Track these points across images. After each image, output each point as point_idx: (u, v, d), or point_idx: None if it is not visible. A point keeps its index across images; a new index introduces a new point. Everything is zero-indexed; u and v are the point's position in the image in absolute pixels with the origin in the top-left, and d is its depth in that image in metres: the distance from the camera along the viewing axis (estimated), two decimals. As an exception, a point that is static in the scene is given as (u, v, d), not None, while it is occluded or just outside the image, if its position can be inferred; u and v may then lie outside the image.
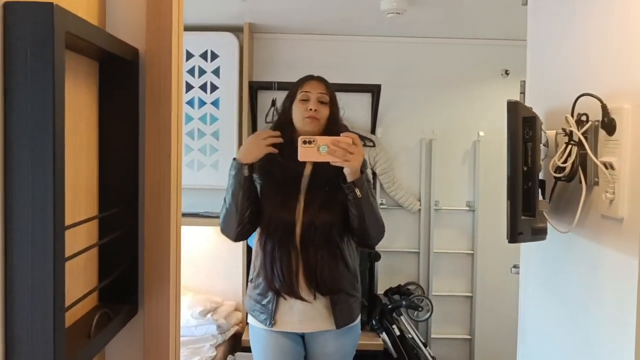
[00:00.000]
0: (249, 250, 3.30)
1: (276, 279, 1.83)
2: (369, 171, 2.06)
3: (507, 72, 3.46)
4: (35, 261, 0.68)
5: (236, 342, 3.28)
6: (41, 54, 0.67)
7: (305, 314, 1.87)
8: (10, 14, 0.68)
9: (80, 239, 0.89)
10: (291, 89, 1.95)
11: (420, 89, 3.52)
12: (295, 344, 1.94)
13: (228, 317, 3.29)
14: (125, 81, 0.96)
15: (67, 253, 0.75)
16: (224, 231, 1.89)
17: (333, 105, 1.91)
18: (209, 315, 3.14)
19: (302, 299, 1.84)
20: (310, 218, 1.82)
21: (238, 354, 3.14)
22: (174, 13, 0.97)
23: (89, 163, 0.94)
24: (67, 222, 0.75)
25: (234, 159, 1.80)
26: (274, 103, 3.33)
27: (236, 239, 1.89)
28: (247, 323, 2.05)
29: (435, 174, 3.53)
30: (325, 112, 1.87)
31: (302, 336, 1.96)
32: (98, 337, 0.83)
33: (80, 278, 0.89)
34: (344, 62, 3.49)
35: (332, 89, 1.93)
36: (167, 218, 0.98)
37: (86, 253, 0.87)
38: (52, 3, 0.68)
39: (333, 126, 1.88)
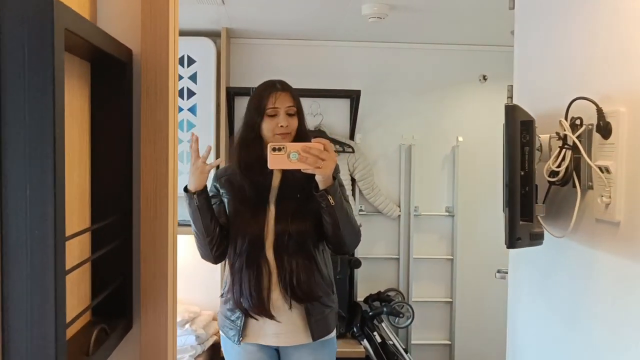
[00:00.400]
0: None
1: (245, 299, 1.79)
2: (342, 176, 2.02)
3: (485, 78, 3.50)
4: (34, 275, 0.62)
5: (215, 353, 3.21)
6: (40, 53, 0.62)
7: (279, 326, 1.81)
8: (5, 9, 0.63)
9: (73, 251, 0.84)
10: (256, 100, 1.86)
11: (399, 95, 3.53)
12: (270, 359, 1.90)
13: (207, 326, 3.22)
14: (119, 84, 0.92)
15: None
16: (204, 257, 1.90)
17: (300, 113, 1.86)
18: (187, 326, 3.07)
19: (272, 317, 1.79)
20: (283, 228, 1.78)
21: (218, 364, 3.07)
22: (170, 13, 0.93)
23: (81, 171, 0.89)
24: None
25: (184, 189, 1.78)
26: (252, 109, 3.28)
27: (216, 261, 1.88)
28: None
29: (415, 180, 3.53)
30: (294, 123, 1.83)
31: (277, 350, 1.91)
32: (97, 354, 0.78)
33: (73, 292, 0.84)
34: (324, 67, 3.47)
35: (297, 96, 1.88)
36: (164, 228, 0.93)
37: (80, 268, 0.82)
38: (51, -3, 0.64)
39: (303, 134, 1.84)
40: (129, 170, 0.94)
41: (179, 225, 3.29)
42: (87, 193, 0.90)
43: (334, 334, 1.93)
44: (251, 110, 1.86)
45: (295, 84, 1.93)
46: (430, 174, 3.57)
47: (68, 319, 0.71)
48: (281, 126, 1.78)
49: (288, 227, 1.77)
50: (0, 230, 0.63)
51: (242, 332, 1.84)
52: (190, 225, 3.23)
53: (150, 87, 0.93)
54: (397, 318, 3.36)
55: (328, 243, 1.85)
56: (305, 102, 3.36)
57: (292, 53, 3.46)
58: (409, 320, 3.41)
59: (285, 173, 1.83)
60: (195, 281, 3.38)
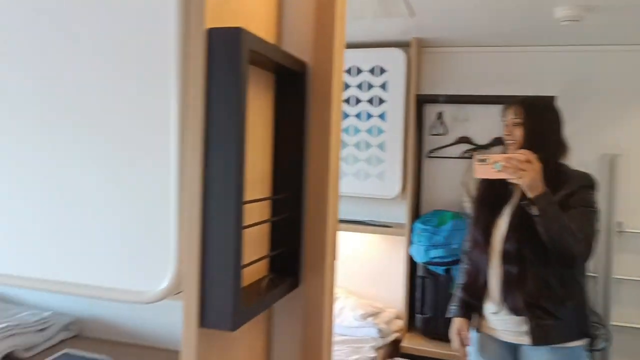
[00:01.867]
0: (410, 261, 3.38)
1: (469, 291, 2.15)
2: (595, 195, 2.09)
3: None
4: (223, 227, 0.89)
5: (395, 348, 3.37)
6: (232, 66, 0.88)
7: (509, 323, 2.02)
8: (211, 36, 0.90)
9: (254, 215, 1.11)
10: None
11: (601, 101, 3.28)
12: (507, 353, 2.09)
13: (389, 323, 3.40)
14: (295, 91, 1.16)
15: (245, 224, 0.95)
16: None
17: (529, 121, 2.03)
18: (369, 319, 3.29)
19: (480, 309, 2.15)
20: (510, 238, 1.99)
21: (397, 359, 3.23)
22: (336, 29, 1.14)
23: (265, 157, 1.15)
24: (245, 199, 0.95)
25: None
26: (439, 116, 3.39)
27: None
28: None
29: (620, 193, 3.24)
30: (517, 133, 2.04)
31: (515, 348, 2.08)
32: (268, 296, 1.03)
33: (255, 248, 1.10)
34: (515, 73, 3.41)
35: (528, 109, 2.06)
36: (325, 205, 1.16)
37: (260, 228, 1.09)
38: (240, 28, 0.89)
39: (530, 142, 2.00)
40: (301, 160, 1.18)
41: (366, 224, 3.50)
42: (268, 174, 1.17)
43: (573, 344, 1.99)
44: None
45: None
46: (637, 186, 3.24)
47: (246, 262, 0.97)
48: (505, 134, 2.10)
49: (513, 237, 1.98)
50: (205, 196, 0.91)
51: (481, 322, 2.14)
52: (374, 225, 3.46)
53: (318, 94, 1.16)
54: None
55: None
56: (489, 110, 3.37)
57: (482, 60, 3.47)
58: (605, 344, 3.13)
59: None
60: (381, 280, 3.59)
